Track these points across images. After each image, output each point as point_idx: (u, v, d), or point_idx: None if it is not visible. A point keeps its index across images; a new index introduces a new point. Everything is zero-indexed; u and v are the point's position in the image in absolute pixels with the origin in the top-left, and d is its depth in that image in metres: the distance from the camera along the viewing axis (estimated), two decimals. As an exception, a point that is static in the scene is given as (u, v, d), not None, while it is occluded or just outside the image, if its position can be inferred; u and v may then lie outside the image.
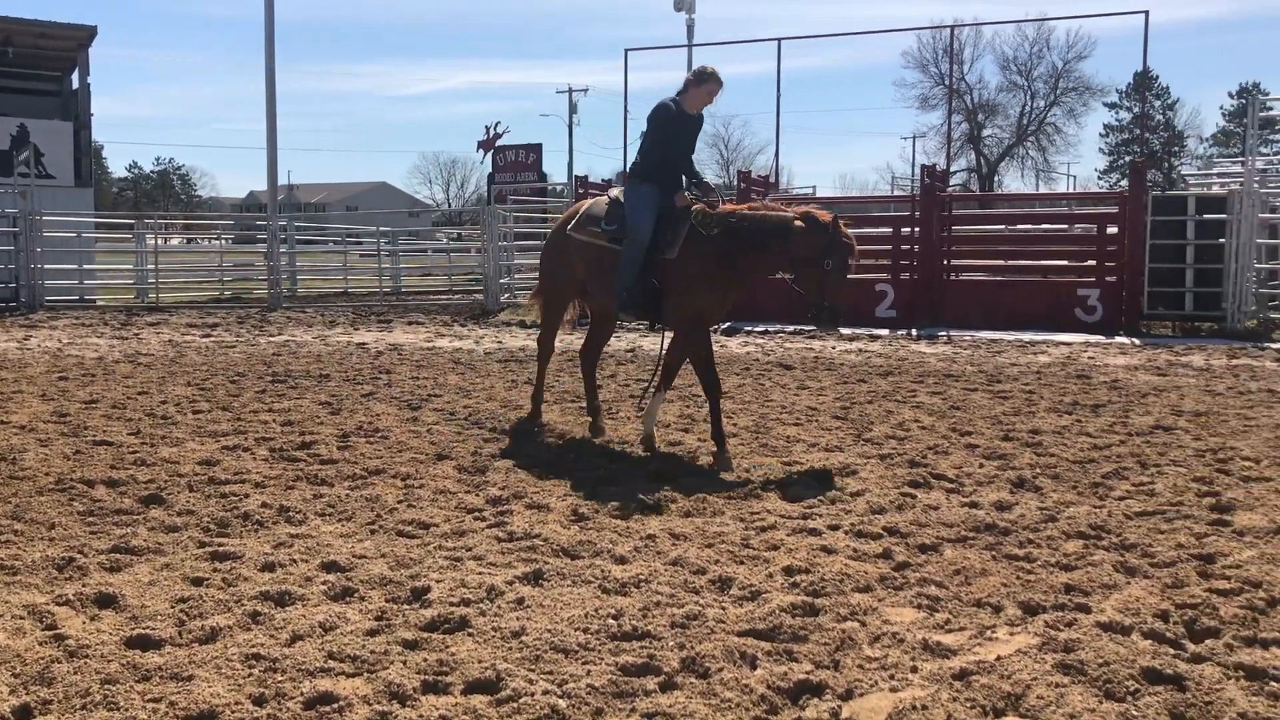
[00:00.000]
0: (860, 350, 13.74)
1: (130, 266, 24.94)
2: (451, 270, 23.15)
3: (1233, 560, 4.82)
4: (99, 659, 3.65)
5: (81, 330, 16.07)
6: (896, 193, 41.89)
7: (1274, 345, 13.23)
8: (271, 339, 15.00)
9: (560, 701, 3.37)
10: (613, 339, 10.33)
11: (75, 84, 25.36)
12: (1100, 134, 71.32)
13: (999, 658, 3.74)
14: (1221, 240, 15.44)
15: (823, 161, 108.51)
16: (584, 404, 8.32)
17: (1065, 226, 20.62)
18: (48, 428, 7.76)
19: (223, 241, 37.47)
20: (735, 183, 20.97)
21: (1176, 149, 68.88)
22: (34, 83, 25.37)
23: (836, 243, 6.70)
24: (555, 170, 70.31)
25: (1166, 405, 9.15)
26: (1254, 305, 15.22)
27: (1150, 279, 15.82)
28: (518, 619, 4.07)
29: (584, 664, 3.69)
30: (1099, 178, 69.66)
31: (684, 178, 7.35)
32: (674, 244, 7.10)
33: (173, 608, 4.13)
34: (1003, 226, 20.82)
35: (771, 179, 21.52)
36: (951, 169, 47.64)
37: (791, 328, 15.79)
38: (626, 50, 21.55)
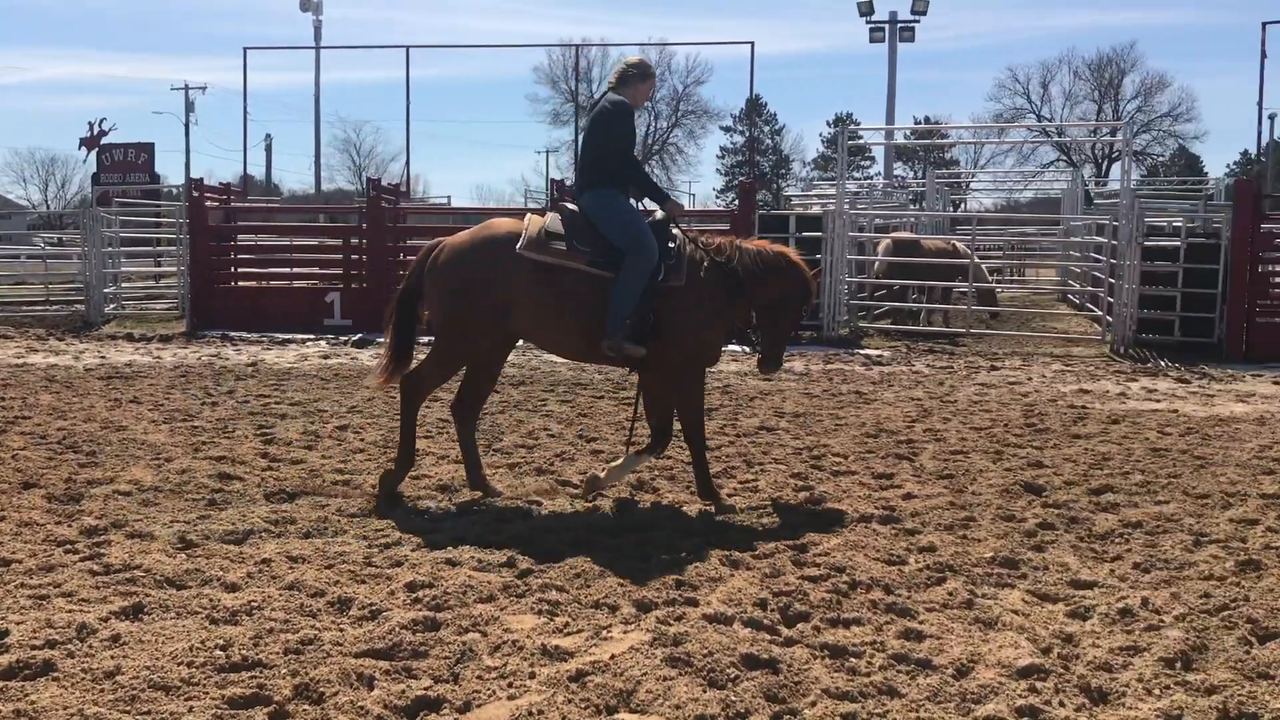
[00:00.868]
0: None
1: None
2: (49, 279, 20.98)
3: (822, 549, 5.29)
4: None
5: None
6: (531, 205, 42.61)
7: (863, 351, 14.70)
8: None
9: (156, 745, 3.13)
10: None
11: None
12: (717, 155, 76.24)
13: (613, 656, 3.89)
14: (818, 256, 16.95)
15: (459, 171, 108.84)
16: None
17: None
18: None
19: None
20: (365, 189, 20.28)
21: (784, 171, 74.98)
22: None
23: (809, 286, 6.39)
24: (172, 172, 65.87)
25: (770, 408, 9.92)
26: (846, 315, 16.80)
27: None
28: (112, 658, 3.77)
29: (186, 700, 3.47)
30: (716, 196, 74.41)
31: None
32: (679, 268, 6.04)
33: None
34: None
35: (403, 187, 21.28)
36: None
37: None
38: (246, 49, 20.55)
